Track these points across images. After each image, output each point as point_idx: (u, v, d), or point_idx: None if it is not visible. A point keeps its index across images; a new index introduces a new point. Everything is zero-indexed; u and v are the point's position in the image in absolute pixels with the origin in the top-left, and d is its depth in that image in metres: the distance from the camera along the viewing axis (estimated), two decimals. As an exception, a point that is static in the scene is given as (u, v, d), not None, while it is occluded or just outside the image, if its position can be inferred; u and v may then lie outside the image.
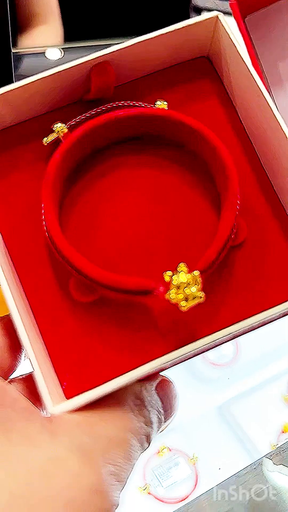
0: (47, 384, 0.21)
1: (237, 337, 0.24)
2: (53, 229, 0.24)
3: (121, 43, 0.25)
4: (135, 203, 0.26)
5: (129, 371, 0.21)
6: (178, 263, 0.22)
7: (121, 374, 0.21)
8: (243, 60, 0.25)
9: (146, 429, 0.22)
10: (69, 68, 0.25)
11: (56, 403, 0.21)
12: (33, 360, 0.21)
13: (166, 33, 0.26)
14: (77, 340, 0.24)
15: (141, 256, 0.26)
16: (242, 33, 0.33)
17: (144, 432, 0.22)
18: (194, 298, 0.21)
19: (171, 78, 0.28)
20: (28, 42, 0.71)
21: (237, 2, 0.31)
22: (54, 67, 0.25)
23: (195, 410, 0.56)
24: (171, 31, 0.26)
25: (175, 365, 0.24)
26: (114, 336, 0.24)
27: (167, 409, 0.24)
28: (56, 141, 0.26)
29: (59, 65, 0.25)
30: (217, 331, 0.22)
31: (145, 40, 0.25)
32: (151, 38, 0.25)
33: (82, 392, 0.21)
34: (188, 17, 0.70)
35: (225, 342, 0.24)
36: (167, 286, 0.22)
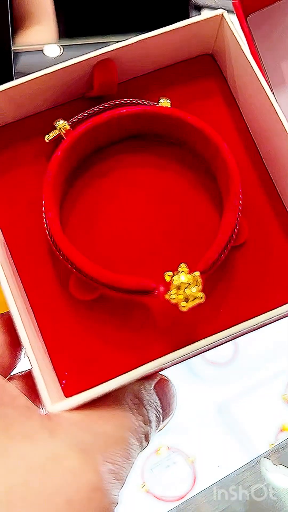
0: (46, 383, 0.21)
1: (237, 337, 0.24)
2: (54, 227, 0.24)
3: (120, 40, 0.25)
4: (136, 202, 0.26)
5: (128, 370, 0.21)
6: (179, 263, 0.22)
7: (120, 374, 0.21)
8: (247, 58, 0.25)
9: (145, 428, 0.22)
10: (72, 65, 0.25)
11: (54, 401, 0.21)
12: (32, 358, 0.21)
13: (170, 30, 0.26)
14: (76, 339, 0.24)
15: (141, 255, 0.25)
16: (245, 32, 0.32)
17: (142, 431, 0.22)
18: (194, 298, 0.21)
19: (174, 75, 0.28)
20: (24, 41, 0.71)
21: (240, 1, 0.31)
22: (53, 64, 0.25)
23: (193, 408, 0.56)
24: (175, 29, 0.26)
25: (174, 365, 0.24)
26: (113, 335, 0.24)
27: (166, 408, 0.24)
28: (58, 138, 0.26)
29: (58, 62, 0.25)
30: (217, 333, 0.22)
31: (148, 37, 0.25)
32: (155, 35, 0.25)
33: (81, 391, 0.21)
34: (187, 14, 0.70)
35: (225, 342, 0.24)
36: (168, 286, 0.22)
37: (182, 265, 0.22)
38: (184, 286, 0.21)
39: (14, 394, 0.22)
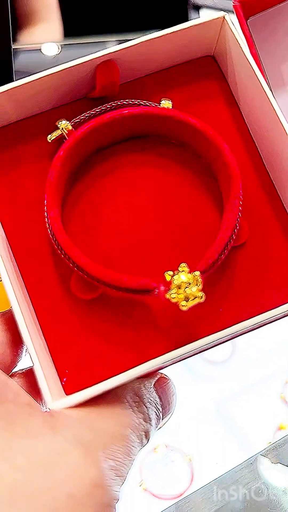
0: (47, 380, 0.21)
1: (236, 337, 0.24)
2: (56, 226, 0.24)
3: (118, 39, 0.25)
4: (137, 202, 0.27)
5: (129, 369, 0.21)
6: (180, 262, 0.22)
7: (121, 372, 0.21)
8: (248, 60, 0.25)
9: (145, 425, 0.22)
10: (75, 65, 0.25)
11: (55, 399, 0.21)
12: (33, 355, 0.21)
13: (172, 32, 0.26)
14: (77, 337, 0.25)
15: (142, 255, 0.26)
16: (245, 35, 0.33)
17: (143, 428, 0.22)
18: (194, 298, 0.22)
19: (176, 77, 0.28)
20: (27, 39, 0.71)
21: (240, 3, 0.31)
22: (51, 63, 0.25)
23: (191, 407, 0.57)
24: (178, 31, 0.26)
25: (174, 363, 0.24)
26: (114, 333, 0.25)
27: (166, 406, 0.24)
28: (61, 138, 0.26)
29: (56, 61, 0.25)
30: (217, 332, 0.22)
31: (151, 39, 0.25)
32: (157, 37, 0.26)
33: (81, 389, 0.21)
34: (186, 14, 0.70)
35: (225, 341, 0.24)
36: (168, 285, 0.22)
37: (183, 264, 0.22)
38: (185, 286, 0.22)
39: (16, 391, 0.22)
